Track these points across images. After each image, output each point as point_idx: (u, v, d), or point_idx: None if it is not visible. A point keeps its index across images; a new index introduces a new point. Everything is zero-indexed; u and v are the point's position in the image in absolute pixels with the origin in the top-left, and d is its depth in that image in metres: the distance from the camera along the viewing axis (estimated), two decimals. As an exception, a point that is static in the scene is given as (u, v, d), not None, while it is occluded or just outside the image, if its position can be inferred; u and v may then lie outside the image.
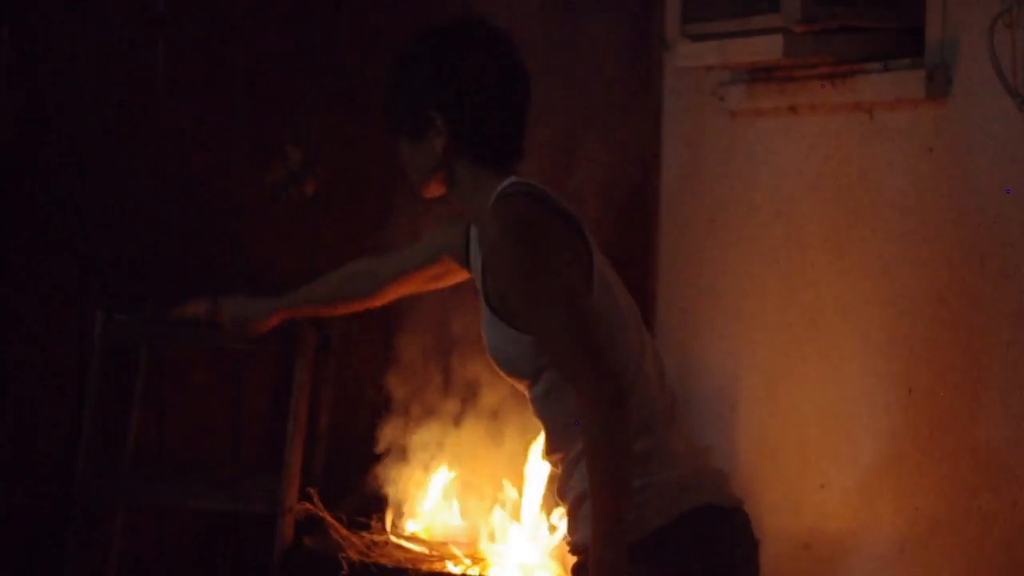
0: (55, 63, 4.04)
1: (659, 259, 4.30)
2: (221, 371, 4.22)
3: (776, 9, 3.34)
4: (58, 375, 4.07)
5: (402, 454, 4.07)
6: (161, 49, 4.13)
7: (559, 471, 2.65)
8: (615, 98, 4.28)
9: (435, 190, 2.68)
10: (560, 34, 4.21)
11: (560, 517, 3.80)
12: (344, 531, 3.86)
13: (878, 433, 3.40)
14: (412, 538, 3.93)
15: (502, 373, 2.65)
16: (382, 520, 3.97)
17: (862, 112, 3.44)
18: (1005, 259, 3.04)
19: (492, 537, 3.91)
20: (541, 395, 2.60)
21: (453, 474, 4.05)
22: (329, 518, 3.87)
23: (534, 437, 3.88)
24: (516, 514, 3.94)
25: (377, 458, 4.08)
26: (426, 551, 3.85)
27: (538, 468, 3.90)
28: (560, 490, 2.66)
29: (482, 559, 3.84)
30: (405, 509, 4.02)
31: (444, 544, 3.89)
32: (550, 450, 2.66)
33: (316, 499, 3.88)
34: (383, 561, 3.74)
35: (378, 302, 3.24)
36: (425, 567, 3.74)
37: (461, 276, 2.95)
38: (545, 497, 3.88)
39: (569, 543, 2.66)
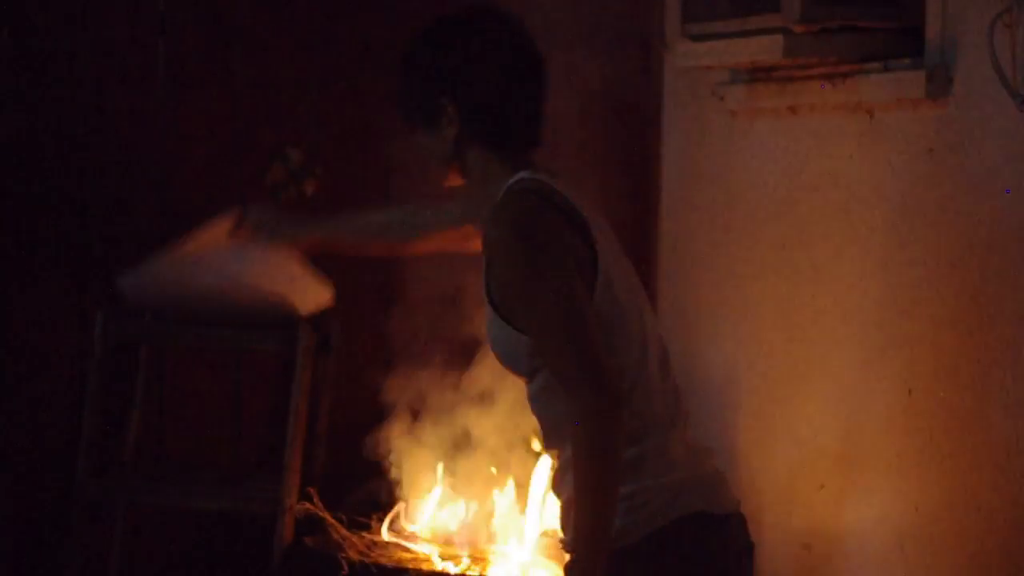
0: (55, 63, 4.04)
1: (659, 259, 4.30)
2: (221, 371, 4.22)
3: (776, 9, 3.34)
4: (58, 375, 4.07)
5: (402, 454, 4.07)
6: (161, 49, 4.13)
7: (557, 465, 2.65)
8: (615, 98, 4.28)
9: (454, 180, 2.66)
10: (560, 34, 4.21)
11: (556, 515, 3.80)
12: (344, 531, 3.86)
13: (878, 433, 3.40)
14: (412, 538, 3.93)
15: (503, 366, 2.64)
16: (382, 520, 3.97)
17: (862, 112, 3.44)
18: (1005, 259, 3.04)
19: (492, 537, 3.91)
20: (536, 393, 2.59)
21: (453, 474, 4.05)
22: (329, 518, 3.87)
23: (536, 437, 3.88)
24: (517, 514, 3.94)
25: (377, 458, 4.08)
26: (426, 551, 3.85)
27: (539, 468, 3.90)
28: (555, 487, 2.65)
29: (482, 559, 3.84)
30: (405, 509, 4.02)
31: (444, 544, 3.89)
32: (547, 446, 2.66)
33: (316, 499, 3.88)
34: (383, 561, 3.74)
35: (410, 251, 3.24)
36: (425, 567, 3.74)
37: None
38: (546, 497, 3.88)
39: (562, 541, 2.66)
